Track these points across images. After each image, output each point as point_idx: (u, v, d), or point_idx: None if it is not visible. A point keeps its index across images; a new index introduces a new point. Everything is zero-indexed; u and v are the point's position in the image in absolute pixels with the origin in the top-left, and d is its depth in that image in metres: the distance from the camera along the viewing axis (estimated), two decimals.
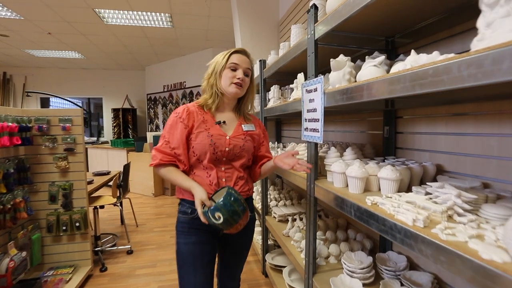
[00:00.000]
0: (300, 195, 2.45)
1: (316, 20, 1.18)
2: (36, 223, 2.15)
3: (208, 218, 1.01)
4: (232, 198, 1.01)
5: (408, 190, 1.05)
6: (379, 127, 1.45)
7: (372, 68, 0.89)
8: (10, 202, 1.80)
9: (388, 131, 1.37)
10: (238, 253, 1.33)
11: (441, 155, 1.11)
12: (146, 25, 4.70)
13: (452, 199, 0.76)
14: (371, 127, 1.54)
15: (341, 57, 1.08)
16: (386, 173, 0.96)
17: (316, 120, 1.17)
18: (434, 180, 1.07)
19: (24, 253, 1.85)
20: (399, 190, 0.98)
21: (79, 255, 2.30)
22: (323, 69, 1.86)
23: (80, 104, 8.32)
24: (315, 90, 1.16)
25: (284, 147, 2.32)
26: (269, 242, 2.38)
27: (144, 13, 4.23)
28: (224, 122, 1.22)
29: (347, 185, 1.11)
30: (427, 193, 0.91)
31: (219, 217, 0.99)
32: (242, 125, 1.26)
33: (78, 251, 2.29)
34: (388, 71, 0.93)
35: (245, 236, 1.30)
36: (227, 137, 1.19)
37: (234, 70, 1.18)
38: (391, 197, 0.90)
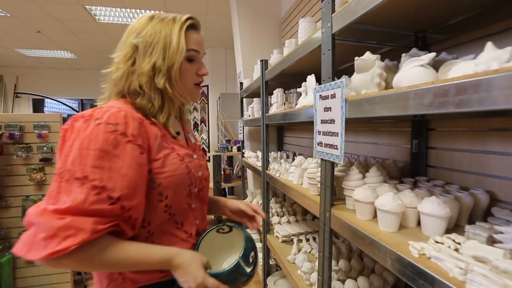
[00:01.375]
0: (305, 210, 2.21)
1: (333, 10, 0.95)
2: (6, 244, 1.90)
3: (237, 274, 0.68)
4: (247, 234, 0.78)
5: (456, 226, 0.81)
6: (406, 139, 1.22)
7: (418, 69, 0.65)
8: None
9: (418, 146, 1.13)
10: None
11: (494, 180, 0.87)
12: None
13: None
14: (395, 139, 1.30)
15: (368, 54, 0.85)
16: (432, 207, 0.72)
17: (334, 134, 0.93)
18: (486, 213, 0.84)
19: None
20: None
21: (57, 277, 2.05)
22: (336, 69, 1.63)
23: (76, 106, 8.08)
24: (333, 96, 0.92)
25: (288, 157, 2.08)
26: (270, 262, 2.14)
27: (138, 10, 4.00)
28: (178, 133, 0.81)
29: (374, 217, 0.87)
30: (492, 239, 0.67)
31: (253, 259, 0.72)
32: (189, 136, 0.91)
33: (56, 273, 2.04)
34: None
35: None
36: (194, 156, 0.81)
37: (193, 61, 0.76)
38: (443, 244, 0.67)
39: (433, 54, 0.66)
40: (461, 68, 0.57)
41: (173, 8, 3.84)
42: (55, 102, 6.91)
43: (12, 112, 6.97)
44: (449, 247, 0.65)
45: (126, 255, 0.61)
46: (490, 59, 0.49)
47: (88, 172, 0.58)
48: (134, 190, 0.62)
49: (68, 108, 6.38)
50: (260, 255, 2.28)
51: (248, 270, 0.70)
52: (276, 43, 2.84)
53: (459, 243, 0.66)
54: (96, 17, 4.18)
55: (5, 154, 1.87)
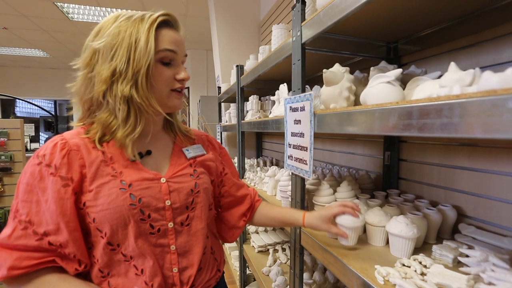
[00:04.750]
0: None
1: (303, 19, 0.92)
2: None
3: None
4: None
5: (424, 244, 0.80)
6: (379, 150, 1.20)
7: (385, 86, 0.62)
8: None
9: (390, 157, 1.12)
10: None
11: (462, 196, 0.86)
12: None
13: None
14: (369, 150, 1.28)
15: (337, 67, 0.82)
16: (399, 228, 0.70)
17: (303, 149, 0.90)
18: (454, 229, 0.83)
19: None
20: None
21: None
22: (309, 77, 1.61)
23: (51, 107, 7.70)
24: (303, 109, 0.88)
25: (265, 164, 2.04)
26: (247, 272, 2.08)
27: (114, 9, 3.85)
28: (148, 152, 0.68)
29: None
30: (458, 261, 0.65)
31: None
32: (184, 150, 0.74)
33: None
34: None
35: None
36: (163, 180, 0.65)
37: (169, 63, 0.64)
38: (410, 267, 0.64)
39: (399, 70, 0.63)
40: (427, 88, 0.54)
41: (151, 7, 3.72)
42: (28, 103, 6.56)
43: None
44: (415, 271, 0.62)
45: None
46: (453, 81, 0.46)
47: (19, 206, 0.56)
48: (58, 225, 0.55)
49: (40, 109, 6.07)
50: (238, 265, 2.23)
51: None
52: (254, 46, 2.80)
53: (425, 266, 0.64)
54: (69, 15, 3.99)
55: None
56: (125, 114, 0.61)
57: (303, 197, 0.97)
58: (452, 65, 0.49)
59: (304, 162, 0.89)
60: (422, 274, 0.61)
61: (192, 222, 0.68)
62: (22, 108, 8.09)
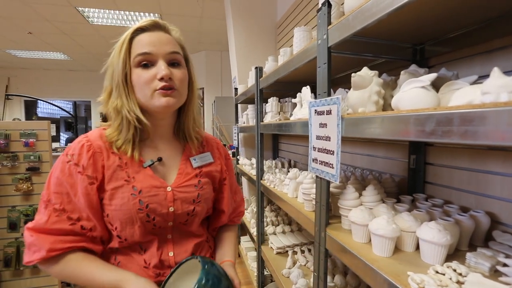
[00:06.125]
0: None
1: (329, 22, 0.91)
2: None
3: None
4: (210, 267, 0.65)
5: (456, 251, 0.78)
6: (403, 153, 1.18)
7: (419, 91, 0.61)
8: None
9: (416, 161, 1.10)
10: None
11: (495, 202, 0.84)
12: None
13: None
14: (392, 153, 1.27)
15: (366, 70, 0.81)
16: (432, 234, 0.69)
17: (329, 152, 0.89)
18: (487, 236, 0.81)
19: None
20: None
21: None
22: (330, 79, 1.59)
23: (70, 107, 7.96)
24: (329, 112, 0.88)
25: (283, 166, 2.04)
26: (265, 273, 2.09)
27: (132, 13, 3.94)
28: (159, 160, 0.74)
29: (371, 239, 0.83)
30: (495, 269, 0.64)
31: None
32: (191, 159, 0.79)
33: (44, 286, 1.98)
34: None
35: None
36: (169, 189, 0.72)
37: (149, 65, 0.68)
38: (444, 274, 0.63)
39: (434, 75, 0.62)
40: (466, 93, 0.53)
41: (168, 10, 3.79)
42: (48, 104, 6.81)
43: (3, 114, 6.85)
44: (450, 279, 0.61)
45: (86, 272, 0.65)
46: (497, 87, 0.45)
47: (51, 197, 0.66)
48: (87, 214, 0.67)
49: (61, 110, 6.29)
50: (255, 265, 2.24)
51: None
52: (271, 48, 2.80)
53: (461, 274, 0.63)
54: (89, 19, 4.11)
55: None
56: (118, 123, 0.70)
57: (328, 201, 0.96)
58: (496, 71, 0.48)
59: (331, 165, 0.89)
60: (458, 282, 0.60)
61: (190, 223, 0.77)
62: (43, 109, 8.40)
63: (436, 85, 0.71)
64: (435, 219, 0.80)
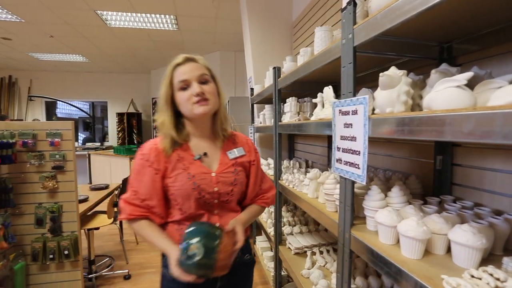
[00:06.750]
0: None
1: (355, 22, 0.90)
2: (20, 251, 1.91)
3: (186, 266, 0.80)
4: (196, 223, 0.87)
5: (489, 255, 0.76)
6: (428, 154, 1.16)
7: (454, 91, 0.60)
8: None
9: (442, 162, 1.08)
10: None
11: None
12: (150, 28, 4.48)
13: None
14: (415, 153, 1.24)
15: (394, 70, 0.80)
16: (466, 237, 0.67)
17: (355, 153, 0.89)
18: None
19: None
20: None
21: (69, 284, 2.05)
22: None
23: (87, 108, 8.20)
24: (355, 112, 0.87)
25: (300, 166, 2.03)
26: (282, 273, 2.09)
27: (148, 15, 4.01)
28: (205, 154, 0.99)
29: (398, 241, 0.82)
30: None
31: (197, 249, 0.79)
32: (228, 153, 1.03)
33: (68, 281, 2.05)
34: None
35: (246, 285, 1.11)
36: (213, 174, 0.97)
37: (186, 88, 0.92)
38: (480, 279, 0.62)
39: (470, 74, 0.60)
40: (509, 93, 0.51)
41: (183, 11, 3.84)
42: (67, 104, 7.04)
43: (26, 114, 7.13)
44: (488, 283, 0.59)
45: (146, 235, 0.93)
46: None
47: (132, 182, 0.96)
48: (151, 196, 0.93)
49: (79, 110, 6.49)
50: (272, 265, 2.24)
51: (192, 260, 0.78)
52: (287, 47, 2.79)
53: (498, 279, 0.61)
54: (107, 22, 4.22)
55: (19, 162, 1.88)
56: (161, 134, 0.96)
57: (352, 202, 0.96)
58: None
59: (356, 166, 0.88)
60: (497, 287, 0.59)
61: (230, 201, 1.00)
62: (62, 109, 8.68)
63: (470, 86, 0.69)
64: (467, 221, 0.78)
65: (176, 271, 0.82)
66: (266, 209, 2.45)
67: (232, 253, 0.86)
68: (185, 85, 0.92)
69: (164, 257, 0.98)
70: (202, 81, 0.93)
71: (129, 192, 0.95)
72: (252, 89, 2.72)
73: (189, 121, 0.98)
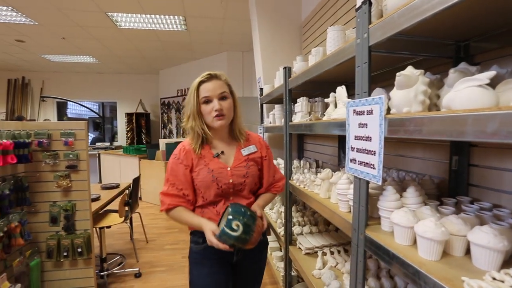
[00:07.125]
0: (327, 220, 2.14)
1: (370, 21, 0.90)
2: (35, 248, 1.96)
3: (226, 237, 0.99)
4: (238, 205, 1.05)
5: (510, 258, 0.74)
6: (443, 155, 1.14)
7: (476, 91, 0.59)
8: (4, 228, 1.60)
9: (458, 163, 1.06)
10: (253, 279, 1.31)
11: None
12: (159, 29, 4.53)
13: None
14: (430, 154, 1.22)
15: (410, 69, 0.79)
16: (487, 239, 0.66)
17: (370, 153, 0.88)
18: None
19: (18, 286, 1.65)
20: None
21: (82, 281, 2.09)
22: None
23: (96, 108, 8.33)
24: (370, 112, 0.87)
25: (311, 166, 2.03)
26: (292, 273, 2.09)
27: (157, 16, 4.06)
28: (222, 152, 1.20)
29: (415, 242, 0.81)
30: None
31: (238, 226, 0.98)
32: (241, 150, 1.23)
33: (81, 278, 2.09)
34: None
35: (259, 262, 1.31)
36: (228, 169, 1.17)
37: (209, 102, 1.13)
38: (503, 282, 0.61)
39: (493, 73, 0.59)
40: None
41: (192, 12, 3.87)
42: (77, 104, 7.16)
43: (38, 114, 7.28)
44: (511, 286, 0.58)
45: (183, 217, 1.15)
46: None
47: (168, 177, 1.17)
48: (186, 186, 1.16)
49: (89, 110, 6.59)
50: (281, 265, 2.24)
51: (234, 234, 0.97)
52: (296, 47, 2.79)
53: None
54: (118, 23, 4.28)
55: (34, 161, 1.92)
56: (191, 135, 1.18)
57: (367, 202, 0.95)
58: None
59: (372, 166, 0.88)
60: None
61: (243, 190, 1.20)
62: (72, 110, 8.83)
63: (491, 85, 0.68)
64: (486, 223, 0.77)
65: (213, 239, 1.01)
66: (276, 208, 2.45)
67: (261, 232, 1.07)
68: (208, 100, 1.13)
69: (192, 235, 1.22)
70: (221, 97, 1.14)
71: (167, 186, 1.16)
72: (261, 89, 2.72)
73: (211, 127, 1.17)
